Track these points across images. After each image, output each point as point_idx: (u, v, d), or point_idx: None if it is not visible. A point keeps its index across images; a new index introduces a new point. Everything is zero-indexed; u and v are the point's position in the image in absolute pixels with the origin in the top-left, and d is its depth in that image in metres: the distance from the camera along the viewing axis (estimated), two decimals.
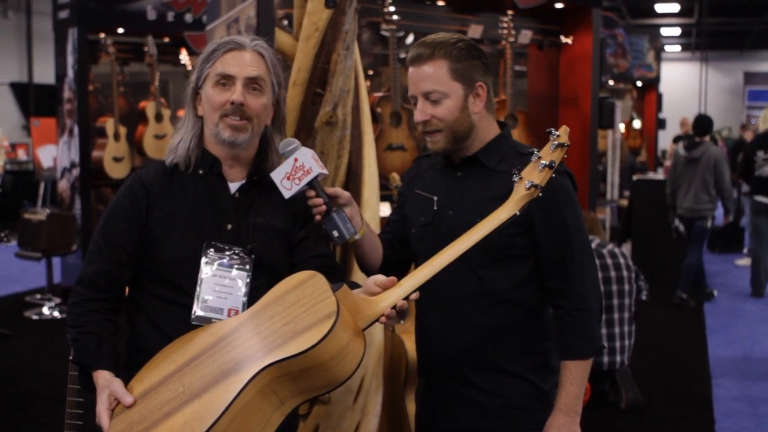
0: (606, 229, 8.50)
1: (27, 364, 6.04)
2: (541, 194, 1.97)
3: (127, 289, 2.23)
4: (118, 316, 2.18)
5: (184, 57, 8.72)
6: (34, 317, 7.50)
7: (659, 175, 12.29)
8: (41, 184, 11.20)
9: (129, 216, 2.17)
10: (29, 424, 4.87)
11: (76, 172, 7.88)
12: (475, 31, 5.41)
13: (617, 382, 5.18)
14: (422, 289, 1.97)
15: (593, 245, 5.10)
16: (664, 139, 17.79)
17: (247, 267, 2.17)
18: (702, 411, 5.26)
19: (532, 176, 1.97)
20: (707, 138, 8.36)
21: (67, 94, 7.95)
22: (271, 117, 2.26)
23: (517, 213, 1.97)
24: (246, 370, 1.82)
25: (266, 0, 3.58)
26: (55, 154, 8.88)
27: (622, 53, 13.91)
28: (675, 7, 17.68)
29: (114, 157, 8.20)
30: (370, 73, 6.39)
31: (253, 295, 2.13)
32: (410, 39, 7.02)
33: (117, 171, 8.19)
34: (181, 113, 2.29)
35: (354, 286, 2.09)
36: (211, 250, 2.15)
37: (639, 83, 14.99)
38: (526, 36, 5.70)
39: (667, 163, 11.96)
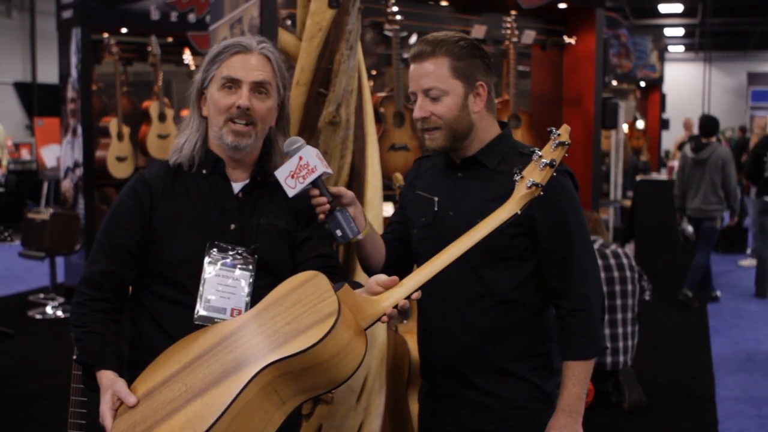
0: (609, 230, 8.49)
1: (30, 364, 6.05)
2: (542, 193, 1.97)
3: (130, 289, 2.24)
4: (121, 316, 2.19)
5: (187, 57, 8.73)
6: (38, 317, 7.51)
7: (662, 175, 12.28)
8: (44, 184, 11.23)
9: (132, 216, 2.17)
10: (32, 424, 4.87)
11: (79, 171, 7.89)
12: (478, 31, 5.41)
13: (620, 383, 5.18)
14: (423, 289, 1.97)
15: (596, 245, 5.11)
16: (668, 140, 17.77)
17: (250, 267, 2.17)
18: (705, 412, 5.26)
19: (533, 175, 1.97)
20: (714, 139, 8.37)
21: (70, 93, 7.96)
22: (276, 118, 2.26)
23: (519, 212, 1.97)
24: (247, 369, 1.83)
25: (269, 0, 3.58)
26: (58, 154, 8.90)
27: (625, 53, 13.89)
28: (678, 8, 17.66)
29: (117, 157, 8.20)
30: (374, 73, 6.39)
31: (256, 294, 2.13)
32: (413, 39, 7.01)
33: (120, 171, 8.20)
34: (184, 113, 2.29)
35: (356, 285, 2.09)
36: (215, 249, 2.15)
37: (642, 83, 14.97)
38: (529, 36, 5.70)
39: (671, 163, 11.95)
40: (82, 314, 2.12)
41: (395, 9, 4.89)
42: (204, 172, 2.22)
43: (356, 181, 3.38)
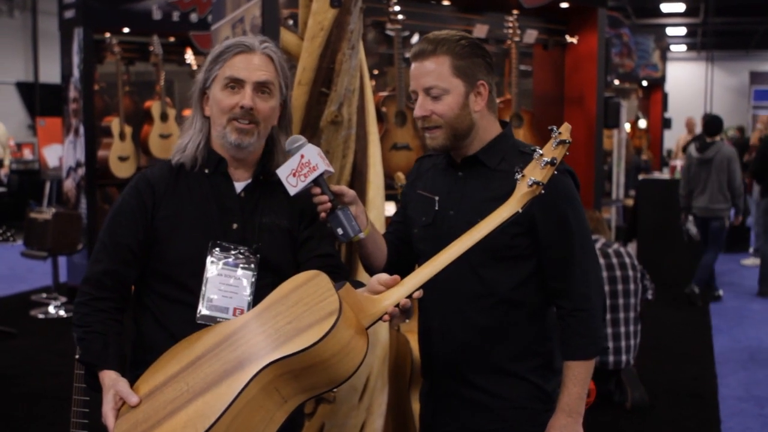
0: (611, 229, 8.50)
1: (33, 363, 6.06)
2: (543, 191, 1.97)
3: (132, 288, 2.24)
4: (124, 315, 2.19)
5: (189, 56, 8.73)
6: (40, 316, 7.52)
7: (665, 174, 12.27)
8: (47, 184, 11.24)
9: (135, 215, 2.17)
10: (34, 423, 4.88)
11: (81, 171, 7.89)
12: (480, 30, 5.41)
13: (623, 382, 5.18)
14: (424, 288, 1.97)
15: (599, 245, 5.11)
16: (670, 139, 17.76)
17: (253, 266, 2.17)
18: (708, 411, 5.25)
19: (534, 174, 1.96)
20: (718, 138, 8.39)
21: (72, 93, 7.96)
22: (278, 117, 2.26)
23: (520, 210, 1.96)
24: (249, 368, 1.83)
25: (271, 0, 3.58)
26: (60, 154, 8.91)
27: (627, 53, 13.89)
28: (680, 7, 17.65)
29: (119, 157, 8.21)
30: (375, 72, 6.38)
31: (259, 294, 2.13)
32: (415, 38, 7.01)
33: (122, 170, 8.20)
34: (186, 113, 2.29)
35: (358, 285, 2.09)
36: (217, 249, 2.16)
37: (644, 83, 14.98)
38: (531, 36, 5.69)
39: (673, 162, 11.94)
40: (84, 314, 2.12)
41: (397, 8, 4.89)
42: (206, 171, 2.22)
43: (358, 180, 3.38)
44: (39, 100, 15.63)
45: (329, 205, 2.11)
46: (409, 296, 1.94)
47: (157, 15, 8.14)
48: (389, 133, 5.01)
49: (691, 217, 8.47)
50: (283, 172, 2.12)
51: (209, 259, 2.15)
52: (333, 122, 3.28)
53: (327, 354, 1.80)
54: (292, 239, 2.25)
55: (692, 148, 8.50)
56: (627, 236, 9.66)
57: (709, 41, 20.61)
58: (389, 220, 2.57)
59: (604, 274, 5.02)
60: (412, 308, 2.05)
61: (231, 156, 2.21)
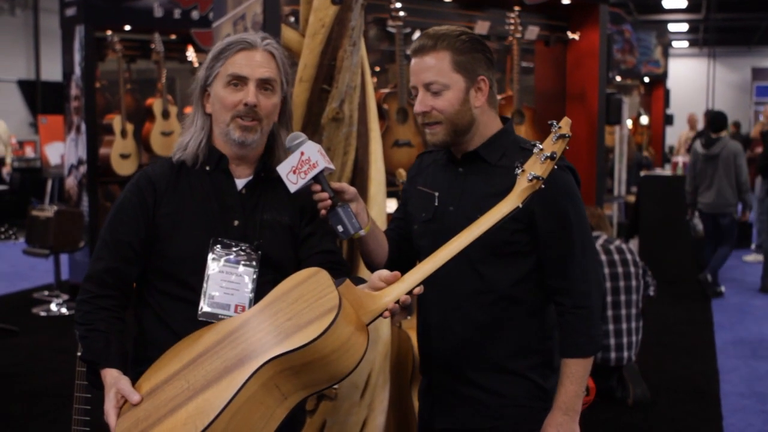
0: (613, 225, 8.49)
1: (35, 361, 6.06)
2: (543, 186, 1.96)
3: (134, 286, 2.24)
4: (125, 313, 2.19)
5: (190, 54, 8.73)
6: (42, 314, 7.52)
7: (667, 171, 12.26)
8: (49, 182, 11.23)
9: (136, 212, 2.17)
10: (36, 421, 4.88)
11: (83, 169, 7.89)
12: (481, 27, 5.40)
13: (624, 378, 5.17)
14: (424, 284, 1.96)
15: (600, 241, 5.11)
16: (672, 135, 17.75)
17: (254, 263, 2.17)
18: (710, 407, 5.25)
19: (534, 168, 1.96)
20: (723, 133, 8.40)
21: (74, 91, 7.96)
22: (278, 113, 2.26)
23: (520, 206, 1.95)
24: (249, 365, 1.83)
25: None
26: (62, 152, 8.90)
27: (629, 49, 13.88)
28: (682, 3, 17.62)
29: (121, 154, 8.20)
30: (377, 69, 6.38)
31: (260, 291, 2.13)
32: (416, 35, 7.01)
33: (124, 168, 8.20)
34: (188, 110, 2.29)
35: (360, 281, 2.09)
36: (218, 246, 2.16)
37: (646, 79, 14.96)
38: (532, 32, 5.69)
39: (675, 159, 11.93)
40: (86, 312, 2.13)
41: (398, 5, 4.89)
42: (207, 168, 2.22)
43: (359, 177, 3.38)
44: (41, 97, 15.63)
45: (329, 202, 2.10)
46: (410, 292, 1.94)
47: (158, 12, 8.14)
48: (391, 130, 5.00)
49: (697, 213, 8.48)
50: (283, 169, 2.12)
51: (210, 256, 2.15)
52: (334, 119, 3.28)
53: (327, 350, 1.81)
54: (293, 236, 2.25)
55: (698, 144, 8.50)
56: (629, 233, 9.65)
57: (711, 37, 20.56)
58: (390, 217, 2.57)
59: (606, 270, 5.01)
60: (413, 305, 2.05)
61: (233, 153, 2.21)
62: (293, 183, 2.11)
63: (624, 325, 5.06)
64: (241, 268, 2.16)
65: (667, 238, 9.08)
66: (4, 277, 9.40)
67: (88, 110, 7.78)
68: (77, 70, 7.86)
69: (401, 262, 2.34)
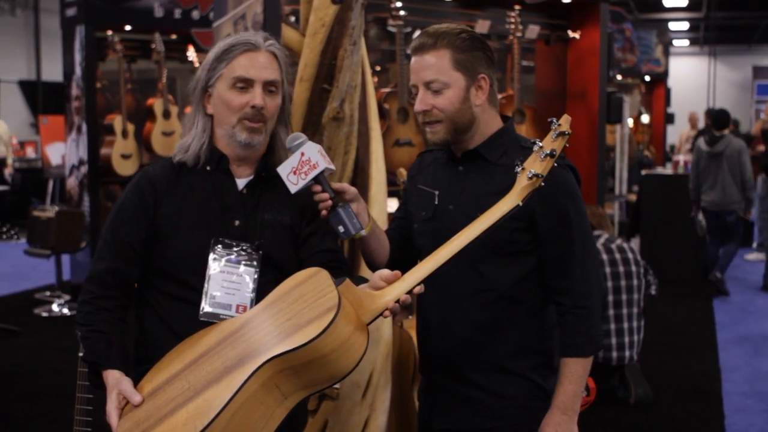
0: (614, 224, 8.50)
1: (36, 361, 6.06)
2: (543, 184, 1.95)
3: (135, 286, 2.24)
4: (127, 313, 2.19)
5: (191, 54, 8.73)
6: (44, 314, 7.52)
7: (668, 169, 12.26)
8: (50, 182, 11.23)
9: (137, 213, 2.17)
10: (38, 421, 4.88)
11: (84, 169, 7.89)
12: (482, 26, 5.40)
13: (626, 378, 5.17)
14: (424, 283, 1.95)
15: (601, 240, 5.10)
16: (673, 134, 17.74)
17: (255, 263, 2.17)
18: (712, 406, 5.25)
19: (533, 166, 1.95)
20: (726, 131, 8.41)
21: (75, 91, 7.96)
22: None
23: (520, 203, 1.94)
24: (248, 364, 1.83)
25: None
26: (63, 152, 8.90)
27: (630, 48, 13.88)
28: (683, 1, 17.62)
29: (122, 154, 8.21)
30: (377, 69, 6.38)
31: (261, 290, 2.13)
32: (417, 35, 7.01)
33: (125, 168, 8.20)
34: (189, 110, 2.28)
35: (361, 280, 2.09)
36: (219, 246, 2.15)
37: (647, 78, 14.96)
38: (533, 31, 5.69)
39: (676, 158, 11.93)
40: (87, 313, 2.13)
41: (399, 4, 4.89)
42: (208, 168, 2.22)
43: (360, 176, 3.38)
44: (41, 98, 15.64)
45: (330, 202, 2.10)
46: (410, 291, 1.93)
47: (158, 12, 8.14)
48: (391, 130, 5.00)
49: (701, 211, 8.49)
50: (283, 170, 2.11)
51: (211, 256, 2.15)
52: (335, 119, 3.27)
53: (326, 349, 1.80)
54: (294, 235, 2.24)
55: (701, 142, 8.50)
56: (630, 232, 9.65)
57: (711, 36, 20.56)
58: (391, 217, 2.56)
59: (607, 269, 5.01)
60: (413, 304, 2.04)
61: (237, 154, 2.21)
62: (294, 184, 2.11)
63: (625, 325, 5.06)
64: (242, 268, 2.16)
65: (668, 237, 9.08)
66: (5, 277, 9.41)
67: (88, 110, 7.78)
68: (78, 71, 7.86)
69: (402, 262, 2.33)
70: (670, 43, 18.83)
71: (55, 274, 7.91)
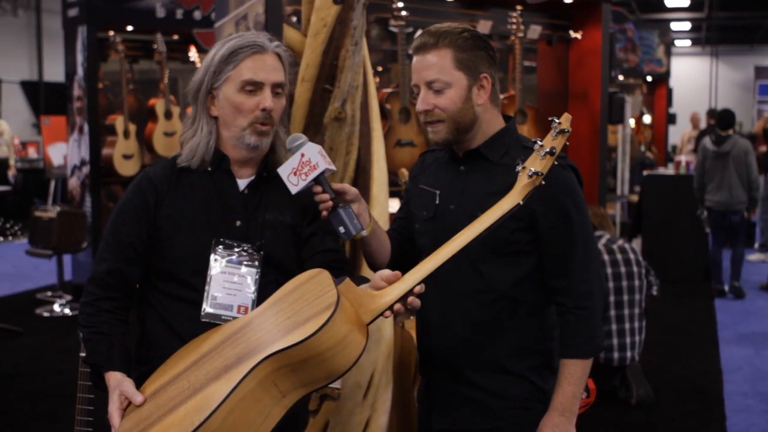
0: (616, 225, 8.49)
1: (38, 362, 6.07)
2: (543, 182, 1.95)
3: (137, 287, 2.24)
4: (129, 314, 2.19)
5: (193, 54, 8.74)
6: (45, 314, 7.53)
7: (669, 170, 12.25)
8: (52, 182, 11.24)
9: (138, 214, 2.17)
10: (39, 421, 4.89)
11: (86, 169, 7.90)
12: (484, 26, 5.40)
13: (627, 378, 5.17)
14: (424, 283, 1.95)
15: (603, 241, 5.10)
16: (675, 134, 17.73)
17: (256, 263, 2.17)
18: (713, 407, 5.25)
19: (534, 165, 1.94)
20: (731, 131, 8.42)
21: (76, 92, 7.97)
22: None
23: (521, 202, 1.94)
24: (246, 362, 1.84)
25: None
26: (65, 152, 8.91)
27: (631, 48, 13.87)
28: (685, 2, 17.60)
29: (124, 155, 8.21)
30: (379, 69, 6.39)
31: (263, 291, 2.13)
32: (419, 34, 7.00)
33: (127, 168, 8.21)
34: (190, 110, 2.27)
35: (363, 280, 2.09)
36: (220, 246, 2.15)
37: (649, 78, 14.96)
38: (535, 31, 5.68)
39: (678, 158, 11.92)
40: (89, 314, 2.13)
41: (400, 5, 4.89)
42: (209, 169, 2.21)
43: (362, 177, 3.38)
44: (43, 98, 15.65)
45: (331, 203, 2.10)
46: (410, 291, 1.93)
47: (160, 13, 8.14)
48: (393, 130, 5.00)
49: (705, 211, 8.50)
50: (284, 171, 2.11)
51: (213, 256, 2.15)
52: (336, 119, 3.27)
53: (323, 347, 1.81)
54: (295, 235, 2.24)
55: (707, 142, 8.49)
56: (632, 232, 9.65)
57: (713, 36, 20.55)
58: (393, 217, 2.56)
59: (609, 270, 5.01)
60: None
61: (242, 156, 2.20)
62: (294, 185, 2.11)
63: (627, 325, 5.06)
64: (244, 269, 2.16)
65: (669, 238, 9.08)
66: (7, 277, 9.41)
67: (90, 111, 7.79)
68: (80, 71, 7.87)
69: (404, 262, 2.32)
70: (672, 44, 18.84)
71: (57, 275, 7.91)
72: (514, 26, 5.50)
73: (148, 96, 8.92)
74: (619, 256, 5.07)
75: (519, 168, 1.97)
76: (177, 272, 2.15)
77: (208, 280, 2.13)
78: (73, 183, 8.21)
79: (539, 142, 1.97)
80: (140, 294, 2.23)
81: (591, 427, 4.68)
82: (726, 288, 8.64)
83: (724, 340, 6.88)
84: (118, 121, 8.21)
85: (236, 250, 2.16)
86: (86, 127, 7.82)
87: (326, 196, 2.10)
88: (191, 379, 1.91)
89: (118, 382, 2.03)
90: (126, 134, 8.23)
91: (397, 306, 1.93)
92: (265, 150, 2.21)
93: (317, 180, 2.10)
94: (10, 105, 15.27)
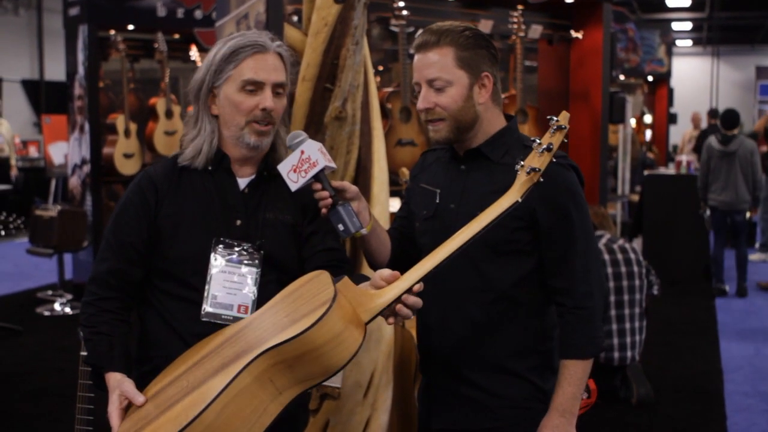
0: (617, 225, 8.49)
1: (38, 361, 6.07)
2: (542, 179, 1.94)
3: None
4: (130, 314, 2.19)
5: (194, 53, 8.74)
6: (46, 313, 7.53)
7: (670, 170, 12.24)
8: (52, 181, 11.25)
9: (138, 213, 2.17)
10: (40, 420, 4.89)
11: (86, 168, 7.90)
12: (485, 26, 5.40)
13: (628, 378, 5.16)
14: (424, 282, 1.94)
15: (604, 240, 5.10)
16: (676, 134, 17.72)
17: (257, 262, 2.17)
18: (714, 406, 5.24)
19: (532, 162, 1.95)
20: (736, 131, 8.43)
21: (77, 91, 7.97)
22: None
23: (519, 200, 1.94)
24: (243, 358, 1.85)
25: None
26: (66, 151, 8.91)
27: (632, 48, 13.87)
28: (686, 2, 17.59)
29: (124, 154, 8.22)
30: (380, 68, 6.39)
31: (263, 290, 2.13)
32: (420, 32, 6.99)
33: (127, 167, 8.21)
34: (191, 109, 2.26)
35: (363, 279, 2.09)
36: (220, 246, 2.15)
37: (650, 78, 14.95)
38: (536, 31, 5.68)
39: (679, 158, 11.92)
40: (90, 314, 2.13)
41: (401, 4, 4.89)
42: (210, 168, 2.21)
43: (362, 176, 3.38)
44: (44, 97, 15.65)
45: (330, 200, 2.09)
46: (409, 290, 1.93)
47: (161, 12, 8.14)
48: (394, 129, 5.00)
49: (708, 210, 8.51)
50: (284, 168, 2.11)
51: (213, 256, 2.14)
52: (337, 118, 3.27)
53: (318, 342, 1.81)
54: (296, 234, 2.24)
55: (713, 141, 8.48)
56: (632, 232, 9.65)
57: (714, 36, 20.54)
58: (394, 217, 2.56)
59: (609, 270, 5.01)
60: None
61: (242, 155, 2.20)
62: (294, 182, 2.10)
63: (627, 325, 5.06)
64: (244, 268, 2.16)
65: (670, 237, 9.07)
66: (7, 276, 9.42)
67: (91, 110, 7.79)
68: (81, 70, 7.87)
69: (404, 261, 2.31)
70: (673, 43, 18.83)
71: (58, 274, 7.91)
72: (515, 26, 5.50)
73: (149, 95, 8.92)
74: (619, 256, 5.07)
75: (518, 167, 1.97)
76: (177, 271, 2.15)
77: (208, 279, 2.13)
78: (74, 182, 8.21)
79: (537, 141, 1.97)
80: (141, 293, 2.23)
81: (591, 427, 4.68)
82: (726, 288, 8.64)
83: (724, 339, 6.88)
84: (119, 120, 8.22)
85: (236, 249, 2.16)
86: (87, 126, 7.82)
87: (326, 193, 2.10)
88: (190, 378, 1.92)
89: (118, 382, 2.03)
90: (127, 133, 8.23)
91: (398, 306, 1.92)
92: (265, 149, 2.21)
93: (317, 177, 2.10)
94: (11, 104, 15.27)
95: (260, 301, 2.10)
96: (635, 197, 10.29)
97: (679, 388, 5.55)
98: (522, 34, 5.52)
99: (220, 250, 2.15)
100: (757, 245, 11.26)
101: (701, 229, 8.72)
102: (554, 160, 1.97)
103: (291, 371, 1.86)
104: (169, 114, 8.47)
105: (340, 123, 3.29)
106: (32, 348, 6.41)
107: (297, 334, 1.80)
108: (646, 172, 11.11)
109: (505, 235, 2.14)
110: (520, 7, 5.49)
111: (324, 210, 2.11)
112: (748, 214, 8.59)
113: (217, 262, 2.14)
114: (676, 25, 20.39)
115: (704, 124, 14.53)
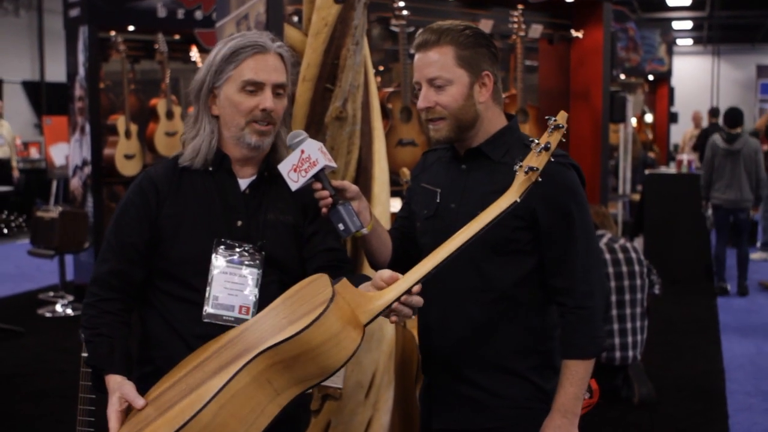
0: (618, 224, 8.49)
1: (40, 362, 6.07)
2: (540, 178, 1.94)
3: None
4: (131, 315, 2.19)
5: (194, 54, 8.74)
6: (47, 315, 7.53)
7: (671, 169, 12.24)
8: (53, 182, 11.26)
9: (139, 214, 2.17)
10: (42, 421, 4.89)
11: (87, 169, 7.90)
12: (485, 25, 5.40)
13: (630, 377, 5.16)
14: (423, 282, 1.94)
15: (605, 240, 5.09)
16: (677, 133, 17.72)
17: (258, 263, 2.17)
18: (715, 406, 5.24)
19: (530, 161, 1.94)
20: (740, 129, 8.43)
21: (78, 92, 7.97)
22: None
23: (518, 200, 1.94)
24: (241, 359, 1.85)
25: None
26: (67, 152, 8.91)
27: (633, 47, 13.87)
28: (686, 1, 17.60)
29: (125, 155, 8.22)
30: (380, 68, 6.38)
31: (264, 291, 2.13)
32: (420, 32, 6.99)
33: (128, 168, 8.21)
34: (192, 110, 2.26)
35: (364, 279, 2.08)
36: (222, 247, 2.15)
37: (651, 77, 14.96)
38: (536, 30, 5.68)
39: (680, 157, 11.91)
40: (91, 316, 2.13)
41: (402, 4, 4.88)
42: (211, 169, 2.21)
43: (363, 176, 3.37)
44: (45, 98, 15.67)
45: (330, 200, 2.09)
46: (409, 291, 1.92)
47: (161, 13, 8.14)
48: (394, 129, 5.00)
49: (710, 208, 8.51)
50: (284, 167, 2.11)
51: (214, 257, 2.14)
52: (337, 118, 3.27)
53: (315, 342, 1.81)
54: (297, 235, 2.24)
55: (718, 139, 8.47)
56: (633, 231, 9.64)
57: (715, 35, 20.56)
58: (395, 217, 2.55)
59: (610, 269, 5.00)
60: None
61: (243, 155, 2.20)
62: (294, 181, 2.10)
63: (629, 325, 5.05)
64: (245, 269, 2.16)
65: (671, 237, 9.07)
66: (9, 278, 9.42)
67: (92, 111, 7.79)
68: (81, 71, 7.87)
69: (405, 261, 2.31)
70: (674, 43, 18.82)
71: (59, 275, 7.91)
72: (516, 25, 5.50)
73: (150, 96, 8.92)
74: (620, 255, 5.07)
75: (517, 167, 1.97)
76: (178, 272, 2.15)
77: (209, 280, 2.13)
78: (75, 183, 8.21)
79: (536, 140, 1.97)
80: (142, 294, 2.23)
81: (593, 427, 4.68)
82: (728, 287, 8.64)
83: (726, 338, 6.88)
84: (120, 121, 8.22)
85: (237, 250, 2.16)
86: (88, 127, 7.82)
87: (326, 192, 2.09)
88: (189, 381, 1.92)
89: (118, 384, 2.02)
90: (127, 134, 8.23)
91: (397, 305, 1.92)
92: (266, 150, 2.21)
93: (317, 177, 2.10)
94: (11, 105, 15.27)
95: (261, 302, 2.10)
96: (636, 196, 10.28)
97: (681, 387, 5.55)
98: (522, 33, 5.52)
99: (221, 251, 2.15)
100: (758, 244, 11.26)
101: (702, 228, 8.72)
102: (555, 159, 1.97)
103: (289, 372, 1.85)
104: (169, 115, 8.47)
105: (340, 123, 3.29)
106: (34, 349, 6.42)
107: (294, 334, 1.80)
108: (647, 172, 11.10)
109: (506, 234, 2.14)
110: (520, 6, 5.49)
111: (324, 209, 2.11)
112: (750, 213, 8.58)
113: (218, 263, 2.14)
114: (676, 24, 20.39)
115: (705, 123, 14.52)
